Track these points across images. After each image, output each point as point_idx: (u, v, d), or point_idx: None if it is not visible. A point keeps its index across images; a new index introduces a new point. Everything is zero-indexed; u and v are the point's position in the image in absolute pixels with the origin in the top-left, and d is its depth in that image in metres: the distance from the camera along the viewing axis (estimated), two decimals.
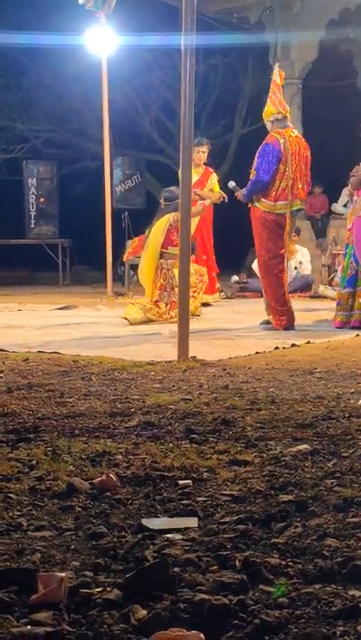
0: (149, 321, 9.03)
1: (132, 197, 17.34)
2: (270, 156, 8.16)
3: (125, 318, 9.04)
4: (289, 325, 8.33)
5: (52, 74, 19.35)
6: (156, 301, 9.29)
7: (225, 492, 2.70)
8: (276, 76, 8.57)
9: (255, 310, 9.64)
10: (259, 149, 8.31)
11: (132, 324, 8.90)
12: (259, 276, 9.57)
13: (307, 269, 13.58)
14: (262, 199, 8.26)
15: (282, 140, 8.19)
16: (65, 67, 18.31)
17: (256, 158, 8.29)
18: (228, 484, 2.82)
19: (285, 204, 8.24)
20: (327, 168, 14.55)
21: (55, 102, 20.14)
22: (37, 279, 18.02)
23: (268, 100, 8.52)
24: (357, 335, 7.65)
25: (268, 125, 8.46)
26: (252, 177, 8.31)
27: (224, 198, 10.70)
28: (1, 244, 17.79)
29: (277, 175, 8.19)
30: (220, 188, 11.30)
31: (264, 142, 8.32)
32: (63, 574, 1.92)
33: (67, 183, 20.06)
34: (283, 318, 8.35)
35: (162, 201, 9.79)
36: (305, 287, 13.17)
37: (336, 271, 12.33)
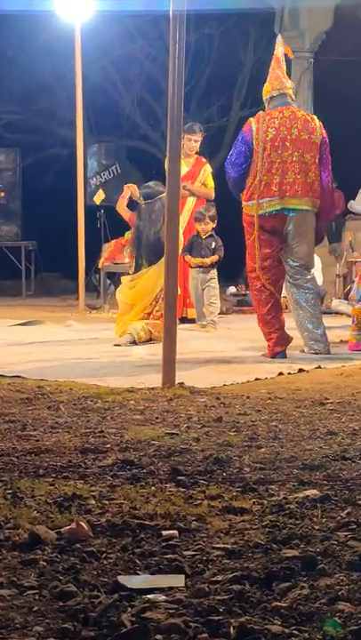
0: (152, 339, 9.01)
1: (110, 192, 17.35)
2: (240, 148, 7.94)
3: (130, 334, 8.92)
4: (278, 352, 7.86)
5: (16, 44, 19.40)
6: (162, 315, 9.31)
7: (217, 546, 2.71)
8: (279, 49, 8.34)
9: (254, 328, 9.66)
10: None
11: (136, 342, 8.80)
12: None
13: (317, 280, 13.58)
14: (243, 200, 8.01)
15: (255, 126, 7.89)
16: (32, 36, 18.37)
17: None
18: (222, 535, 2.83)
19: (269, 201, 7.85)
20: (343, 158, 14.54)
21: (19, 78, 20.19)
22: None
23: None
24: None
25: (266, 106, 8.31)
26: None
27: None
28: None
29: (251, 167, 7.88)
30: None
31: None
32: None
33: (32, 174, 20.09)
34: (269, 343, 7.95)
35: (141, 200, 9.78)
36: None
37: (353, 282, 12.35)
